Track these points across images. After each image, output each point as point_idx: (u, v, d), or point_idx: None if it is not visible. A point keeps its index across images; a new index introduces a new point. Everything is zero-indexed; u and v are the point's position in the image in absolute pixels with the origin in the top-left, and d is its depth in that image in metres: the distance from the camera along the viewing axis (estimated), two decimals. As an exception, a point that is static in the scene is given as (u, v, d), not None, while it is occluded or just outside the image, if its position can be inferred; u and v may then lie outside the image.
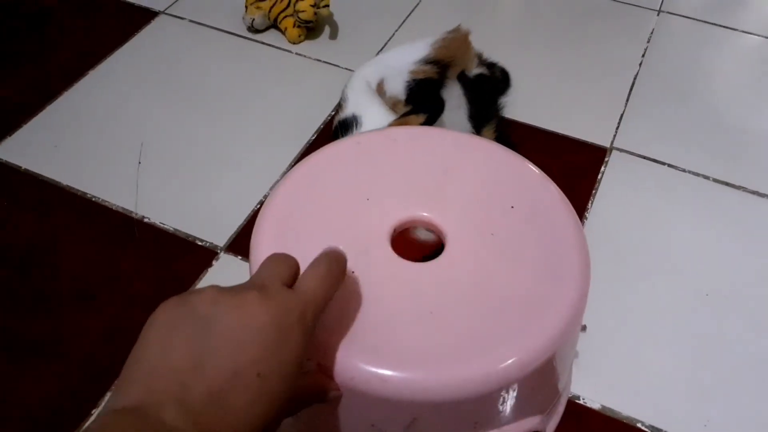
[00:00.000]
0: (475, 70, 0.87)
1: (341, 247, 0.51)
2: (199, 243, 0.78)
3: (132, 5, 1.15)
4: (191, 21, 1.12)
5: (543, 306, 0.48)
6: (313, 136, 0.92)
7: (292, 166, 0.86)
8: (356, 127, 0.77)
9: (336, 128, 0.82)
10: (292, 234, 0.52)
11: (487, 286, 0.49)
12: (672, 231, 0.81)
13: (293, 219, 0.53)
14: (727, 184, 0.86)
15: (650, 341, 0.70)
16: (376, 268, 0.50)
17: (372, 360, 0.44)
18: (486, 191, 0.56)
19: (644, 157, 0.90)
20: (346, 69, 1.03)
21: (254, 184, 0.85)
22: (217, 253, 0.77)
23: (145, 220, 0.81)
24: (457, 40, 0.86)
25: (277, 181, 0.57)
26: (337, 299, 0.46)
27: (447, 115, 0.76)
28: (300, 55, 1.06)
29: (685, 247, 0.79)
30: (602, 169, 0.88)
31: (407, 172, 0.57)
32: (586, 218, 0.82)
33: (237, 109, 0.96)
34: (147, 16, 1.13)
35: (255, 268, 0.50)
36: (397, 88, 0.78)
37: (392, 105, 0.78)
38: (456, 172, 0.57)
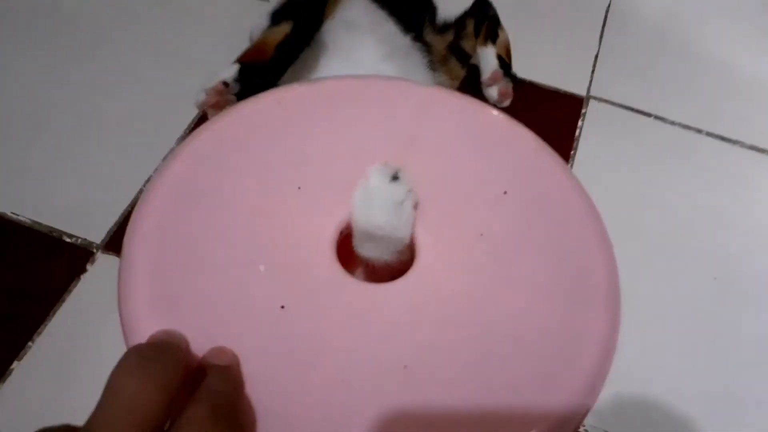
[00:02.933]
0: None
1: (261, 267, 0.35)
2: (68, 239, 0.60)
3: None
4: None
5: (560, 347, 0.34)
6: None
7: (194, 128, 0.68)
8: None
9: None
10: (183, 250, 0.35)
11: (480, 317, 0.35)
12: (663, 191, 0.70)
13: (183, 225, 0.36)
14: (722, 138, 0.75)
15: (643, 318, 0.59)
16: (317, 297, 0.35)
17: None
18: (467, 170, 0.41)
19: (626, 108, 0.77)
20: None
21: (140, 155, 0.66)
22: (92, 253, 0.59)
23: (-9, 209, 0.61)
24: None
25: (166, 157, 0.39)
26: (260, 353, 0.31)
27: (361, 29, 0.60)
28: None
29: (679, 209, 0.69)
30: (580, 123, 0.74)
31: (354, 145, 0.41)
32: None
33: (114, 49, 0.75)
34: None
35: (128, 330, 0.33)
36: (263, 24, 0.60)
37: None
38: (422, 143, 0.42)
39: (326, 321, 0.34)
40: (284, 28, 0.55)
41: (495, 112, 0.45)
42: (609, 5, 0.89)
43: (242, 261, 0.35)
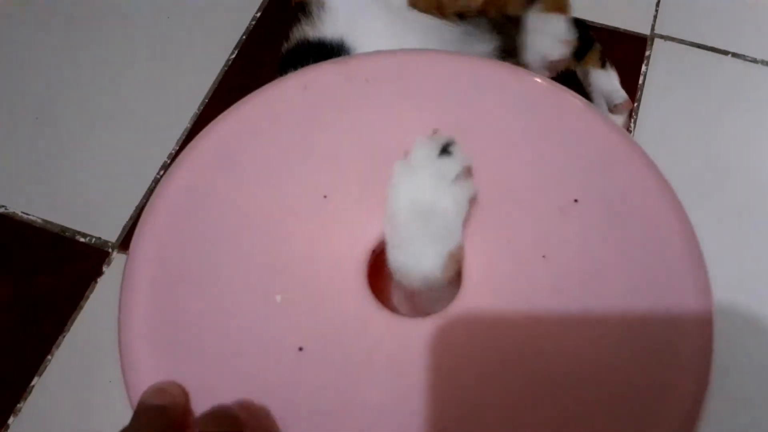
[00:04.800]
0: None
1: (278, 298, 0.31)
2: (81, 239, 0.56)
3: None
4: None
5: (640, 406, 0.29)
6: (232, 54, 0.67)
7: (207, 104, 0.63)
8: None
9: (286, 58, 0.52)
10: (189, 278, 0.31)
11: (541, 367, 0.30)
12: (747, 143, 0.62)
13: (190, 245, 0.32)
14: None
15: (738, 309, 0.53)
16: (342, 336, 0.30)
17: None
18: (527, 170, 0.35)
19: (699, 46, 0.68)
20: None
21: (152, 145, 0.61)
22: (108, 253, 0.56)
23: (1, 210, 0.58)
24: None
25: (176, 156, 0.34)
26: (274, 405, 0.28)
27: None
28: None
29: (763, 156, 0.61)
30: (644, 68, 0.66)
31: (390, 139, 0.35)
32: (631, 133, 0.61)
33: (121, 42, 0.70)
34: None
35: (127, 372, 0.30)
36: None
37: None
38: (471, 132, 0.35)
39: (352, 367, 0.29)
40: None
41: (564, 92, 0.37)
42: None
43: (256, 290, 0.31)
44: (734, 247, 0.57)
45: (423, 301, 0.33)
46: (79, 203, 0.58)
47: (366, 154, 0.34)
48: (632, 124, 0.63)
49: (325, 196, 0.33)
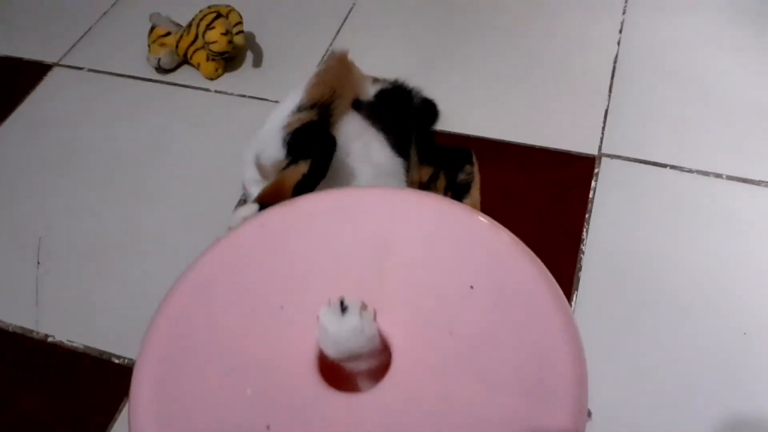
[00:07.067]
0: (372, 90, 0.76)
1: (249, 391, 0.42)
2: (116, 361, 0.69)
3: (19, 61, 1.05)
4: (90, 70, 1.03)
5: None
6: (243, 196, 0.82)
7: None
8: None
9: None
10: (182, 387, 0.43)
11: (453, 420, 0.40)
12: (691, 249, 0.72)
13: (183, 349, 0.44)
14: (745, 180, 0.77)
15: (675, 409, 0.61)
16: (300, 415, 0.41)
17: None
18: (436, 269, 0.47)
19: (641, 161, 0.81)
20: (278, 102, 0.93)
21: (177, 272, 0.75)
22: (138, 371, 0.68)
23: (49, 339, 0.71)
24: (334, 68, 0.75)
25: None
26: None
27: (356, 154, 0.66)
28: (221, 92, 0.97)
29: (710, 268, 0.70)
30: (593, 183, 0.78)
31: (331, 259, 0.48)
32: (584, 248, 0.72)
33: (153, 171, 0.87)
34: (39, 71, 1.03)
35: None
36: (274, 153, 0.66)
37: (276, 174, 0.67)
38: (395, 249, 0.49)
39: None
40: (301, 168, 0.60)
41: (468, 211, 0.50)
42: (617, 56, 0.93)
43: (232, 387, 0.43)
44: (679, 347, 0.66)
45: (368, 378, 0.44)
46: (115, 329, 0.71)
47: (311, 272, 0.47)
48: (584, 233, 0.74)
49: (281, 307, 0.46)
